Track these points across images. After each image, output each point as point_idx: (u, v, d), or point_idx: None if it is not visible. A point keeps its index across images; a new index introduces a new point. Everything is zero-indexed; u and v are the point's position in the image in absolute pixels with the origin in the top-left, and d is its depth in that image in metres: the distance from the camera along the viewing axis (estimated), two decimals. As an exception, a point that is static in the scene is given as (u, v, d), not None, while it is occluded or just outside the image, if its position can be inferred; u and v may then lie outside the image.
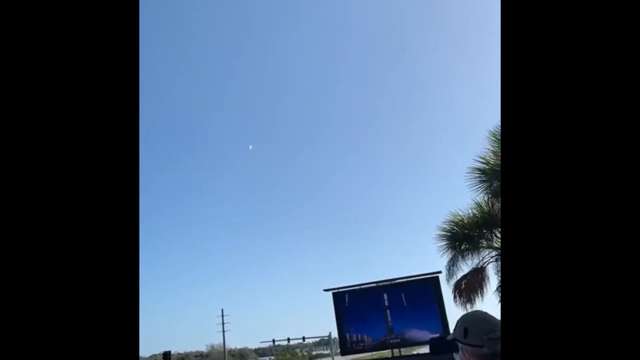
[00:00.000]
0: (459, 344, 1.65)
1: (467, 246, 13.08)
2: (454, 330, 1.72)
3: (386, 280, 11.64)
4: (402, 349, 11.58)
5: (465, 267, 13.19)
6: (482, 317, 1.63)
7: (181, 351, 78.29)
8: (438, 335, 10.52)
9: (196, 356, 78.49)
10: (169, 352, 35.53)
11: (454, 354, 1.88)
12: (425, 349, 13.97)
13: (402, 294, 11.27)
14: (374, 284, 11.67)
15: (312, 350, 79.75)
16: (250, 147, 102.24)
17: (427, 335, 10.92)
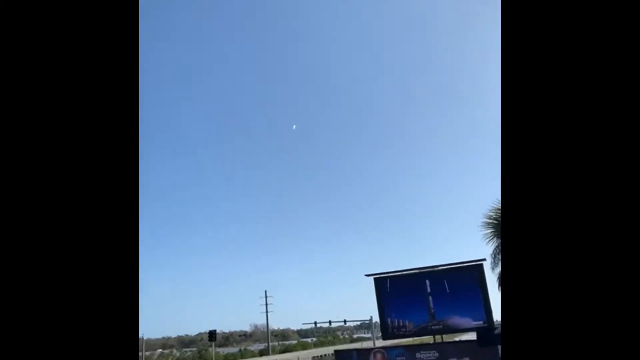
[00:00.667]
0: None
1: (513, 234, 12.78)
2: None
3: (429, 267, 11.58)
4: (444, 336, 11.54)
5: (511, 255, 12.92)
6: None
7: (226, 330, 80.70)
8: (481, 322, 10.43)
9: (240, 335, 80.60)
10: (215, 331, 36.65)
11: (500, 346, 1.88)
12: (467, 337, 13.85)
13: (445, 281, 11.19)
14: (417, 270, 11.63)
15: (353, 334, 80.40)
16: (294, 126, 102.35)
17: (470, 322, 10.83)
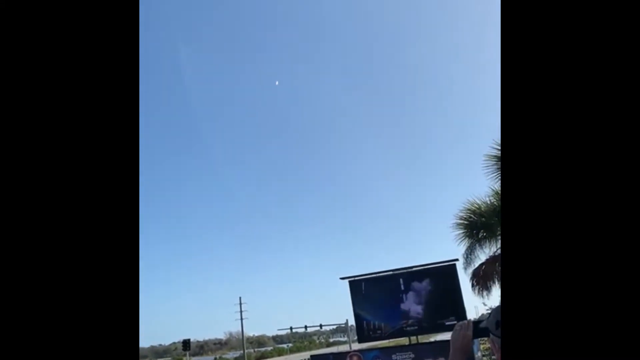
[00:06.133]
0: (490, 334, 1.67)
1: (484, 234, 13.00)
2: (488, 319, 1.73)
3: (403, 268, 11.64)
4: (419, 337, 11.62)
5: (482, 255, 13.14)
6: None
7: (200, 339, 79.52)
8: (455, 322, 10.49)
9: (215, 343, 79.54)
10: (189, 340, 36.11)
11: (475, 339, 1.89)
12: (442, 337, 13.97)
13: (419, 282, 11.27)
14: (391, 272, 11.68)
15: (329, 338, 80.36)
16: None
17: (444, 322, 10.93)
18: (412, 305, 11.22)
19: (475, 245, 13.14)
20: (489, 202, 13.03)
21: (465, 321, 1.87)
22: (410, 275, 11.42)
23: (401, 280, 11.42)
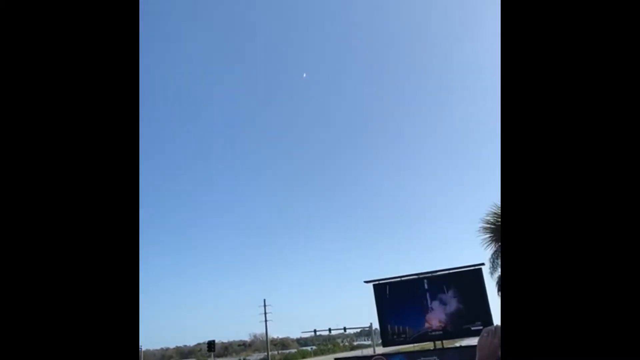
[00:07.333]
0: None
1: (511, 238, 12.79)
2: None
3: (428, 272, 11.56)
4: (444, 341, 11.51)
5: (509, 260, 12.92)
6: None
7: (225, 340, 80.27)
8: (481, 327, 10.37)
9: (239, 345, 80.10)
10: (214, 341, 36.44)
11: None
12: (467, 342, 13.80)
13: (444, 286, 11.17)
14: (415, 276, 11.61)
15: (353, 341, 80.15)
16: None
17: (470, 327, 10.81)
18: (437, 310, 11.13)
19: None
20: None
21: (492, 327, 1.84)
22: (436, 280, 11.33)
23: (426, 284, 11.34)
